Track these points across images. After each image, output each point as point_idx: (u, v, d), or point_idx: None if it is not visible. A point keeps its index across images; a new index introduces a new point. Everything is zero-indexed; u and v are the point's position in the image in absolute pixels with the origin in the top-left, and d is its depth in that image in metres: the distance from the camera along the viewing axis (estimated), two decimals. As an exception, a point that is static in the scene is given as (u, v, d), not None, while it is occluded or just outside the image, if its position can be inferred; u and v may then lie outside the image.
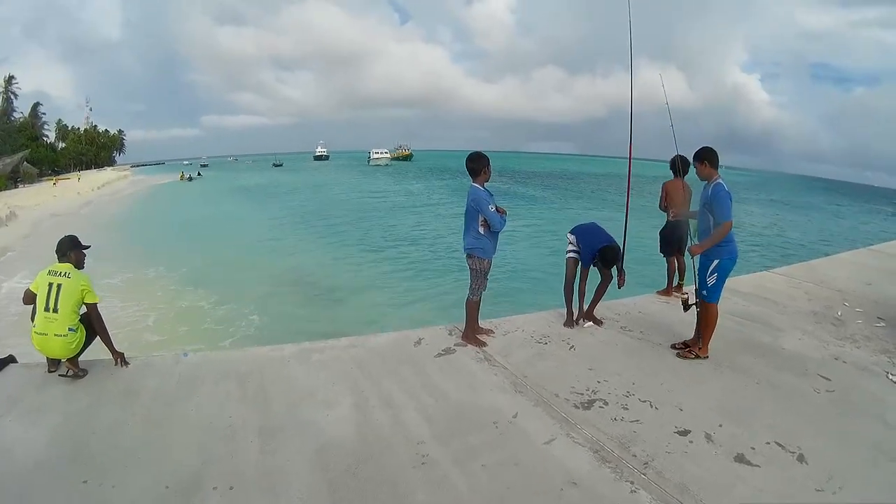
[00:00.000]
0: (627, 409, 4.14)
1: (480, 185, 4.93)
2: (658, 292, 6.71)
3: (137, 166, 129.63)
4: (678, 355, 4.98)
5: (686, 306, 4.93)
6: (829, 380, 4.58)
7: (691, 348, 4.96)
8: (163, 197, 50.19)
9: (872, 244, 10.89)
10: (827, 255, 10.35)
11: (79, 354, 4.32)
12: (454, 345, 5.18)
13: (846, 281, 7.53)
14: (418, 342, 5.23)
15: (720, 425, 3.89)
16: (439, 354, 4.98)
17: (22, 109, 73.69)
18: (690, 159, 5.05)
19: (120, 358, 4.48)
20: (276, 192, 54.36)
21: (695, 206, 5.18)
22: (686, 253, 5.41)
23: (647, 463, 3.44)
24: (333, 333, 6.77)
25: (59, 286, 4.18)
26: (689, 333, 5.14)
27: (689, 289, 5.39)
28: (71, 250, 4.40)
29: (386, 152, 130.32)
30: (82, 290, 4.25)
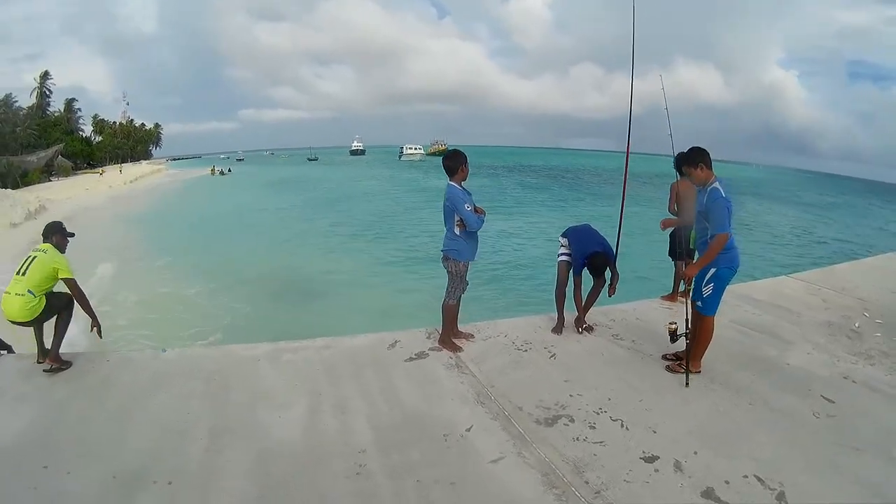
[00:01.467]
0: (594, 427, 3.71)
1: (457, 183, 4.60)
2: (662, 297, 6.14)
3: (174, 160, 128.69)
4: (667, 368, 4.48)
5: (674, 337, 4.32)
6: (833, 402, 3.99)
7: (682, 361, 4.43)
8: (190, 192, 49.72)
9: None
10: (857, 258, 9.41)
11: (53, 346, 4.36)
12: (429, 349, 4.86)
13: (870, 288, 6.73)
14: (393, 345, 4.93)
15: (695, 452, 3.40)
16: (410, 359, 4.69)
17: (58, 104, 74.31)
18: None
19: (97, 327, 4.64)
20: (304, 186, 54.24)
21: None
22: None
23: (598, 492, 3.03)
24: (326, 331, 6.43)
25: (33, 258, 4.44)
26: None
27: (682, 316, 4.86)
28: (54, 234, 4.65)
29: (419, 148, 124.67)
30: (55, 267, 4.42)
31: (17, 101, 60.37)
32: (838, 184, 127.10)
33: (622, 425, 3.73)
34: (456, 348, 4.84)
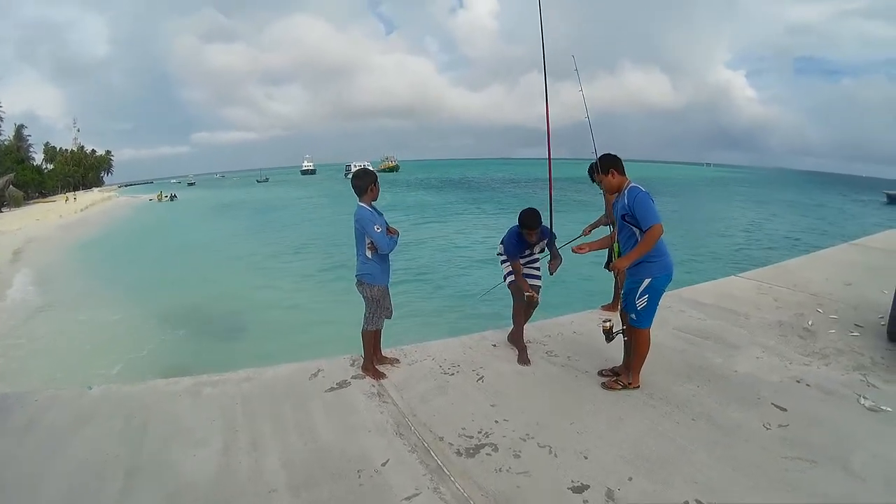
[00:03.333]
0: (519, 456, 3.19)
1: (367, 203, 4.18)
2: (603, 307, 5.63)
3: (126, 186, 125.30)
4: (603, 385, 3.95)
5: (609, 336, 3.86)
6: (785, 410, 3.50)
7: (619, 377, 3.92)
8: (137, 219, 47.41)
9: (858, 238, 9.23)
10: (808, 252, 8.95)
11: None
12: (351, 377, 4.32)
13: (823, 282, 6.28)
14: (315, 374, 4.38)
15: (630, 479, 2.89)
16: (331, 388, 4.15)
17: (7, 132, 71.07)
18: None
19: None
20: (244, 211, 50.81)
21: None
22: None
23: (518, 531, 2.47)
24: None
25: None
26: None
27: (617, 313, 4.38)
28: None
29: (368, 164, 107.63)
30: None
31: None
32: (792, 178, 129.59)
33: (550, 452, 3.21)
34: (379, 375, 4.33)
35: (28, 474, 3.14)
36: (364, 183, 4.17)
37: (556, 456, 3.17)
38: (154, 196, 70.60)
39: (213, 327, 13.59)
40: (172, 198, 69.62)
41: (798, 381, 3.90)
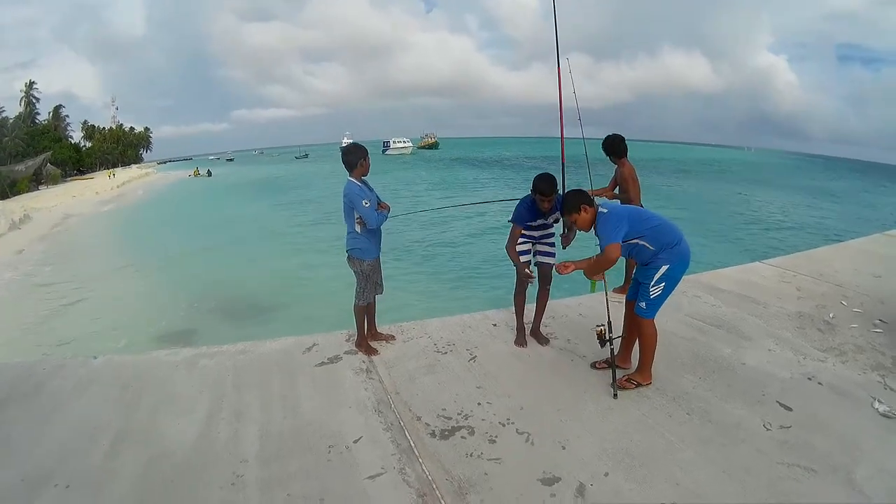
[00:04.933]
0: (494, 442, 2.99)
1: (357, 178, 4.04)
2: (614, 289, 5.30)
3: (165, 162, 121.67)
4: (615, 386, 3.46)
5: (602, 341, 3.54)
6: (791, 410, 3.16)
7: (631, 376, 3.55)
8: (171, 194, 46.66)
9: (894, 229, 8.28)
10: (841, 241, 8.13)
11: None
12: (344, 352, 4.19)
13: (851, 273, 5.72)
14: (309, 349, 4.27)
15: (606, 474, 2.66)
16: (322, 363, 4.04)
17: (46, 112, 69.58)
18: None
19: None
20: (285, 185, 49.67)
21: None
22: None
23: (474, 520, 2.26)
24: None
25: None
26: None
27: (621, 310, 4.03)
28: None
29: (408, 141, 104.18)
30: None
31: (3, 111, 58.54)
32: (831, 166, 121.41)
33: (528, 439, 2.99)
34: (371, 351, 4.19)
35: (27, 435, 3.19)
36: (353, 158, 4.01)
37: (532, 444, 2.95)
38: (191, 172, 70.72)
39: (237, 301, 13.44)
40: (209, 173, 69.66)
41: (810, 379, 3.53)
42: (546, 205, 3.85)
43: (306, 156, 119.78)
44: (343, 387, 3.69)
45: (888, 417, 3.07)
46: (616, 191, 5.10)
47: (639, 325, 3.51)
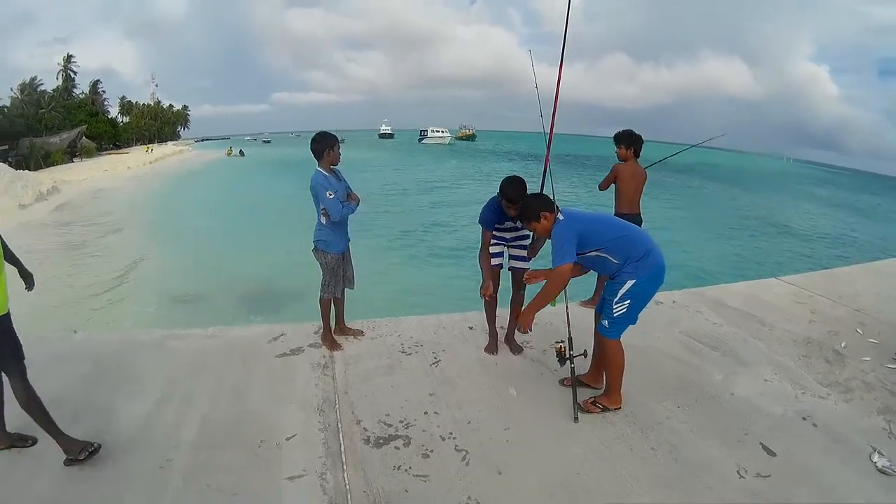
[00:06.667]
0: (428, 457, 2.68)
1: (325, 168, 3.78)
2: (583, 302, 4.74)
3: (201, 140, 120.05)
4: (579, 408, 3.05)
5: (562, 359, 3.16)
6: (774, 455, 2.68)
7: (598, 399, 3.11)
8: (203, 173, 46.98)
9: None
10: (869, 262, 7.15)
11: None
12: (308, 345, 3.94)
13: (872, 297, 4.98)
14: (276, 338, 4.05)
15: (538, 510, 2.29)
16: (283, 354, 3.81)
17: (84, 86, 69.50)
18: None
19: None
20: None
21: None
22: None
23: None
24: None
25: None
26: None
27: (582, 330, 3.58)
28: None
29: (445, 131, 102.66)
30: None
31: (42, 84, 58.19)
32: (870, 181, 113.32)
33: (464, 458, 2.66)
34: (335, 346, 3.92)
35: None
36: (321, 146, 3.76)
37: (467, 464, 2.61)
38: (224, 151, 71.39)
39: (236, 287, 13.05)
40: (241, 153, 69.97)
41: (804, 418, 3.02)
42: (512, 212, 3.42)
43: (342, 141, 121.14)
44: (295, 381, 3.45)
45: (886, 474, 2.55)
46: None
47: (602, 346, 3.08)
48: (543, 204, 3.03)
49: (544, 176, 3.79)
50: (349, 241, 3.99)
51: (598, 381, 3.32)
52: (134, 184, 36.62)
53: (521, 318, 3.03)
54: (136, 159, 53.02)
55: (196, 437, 2.86)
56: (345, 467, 2.62)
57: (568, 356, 3.11)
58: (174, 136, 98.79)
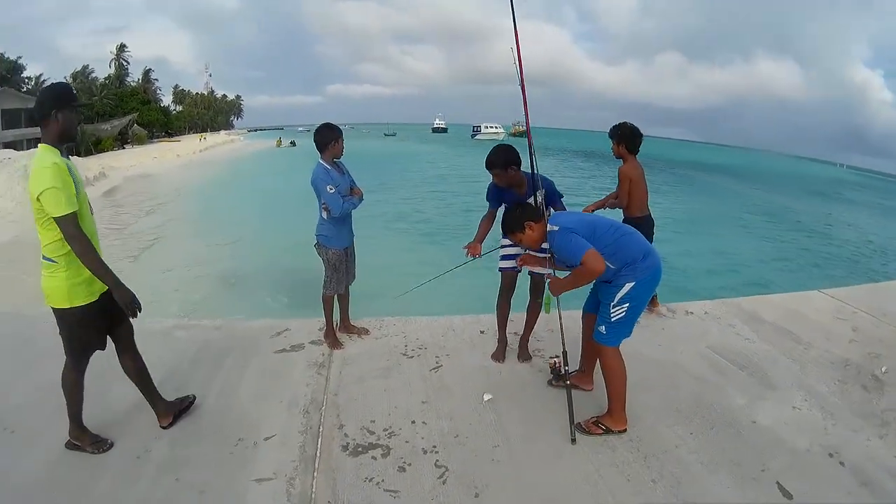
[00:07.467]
0: (404, 470, 2.52)
1: (327, 161, 3.65)
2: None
3: (254, 130, 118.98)
4: (579, 428, 2.79)
5: (557, 375, 2.99)
6: (791, 498, 2.36)
7: (600, 419, 2.84)
8: (251, 162, 46.87)
9: None
10: None
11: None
12: (310, 342, 3.84)
13: None
14: (279, 333, 3.98)
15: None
16: (282, 350, 3.75)
17: (137, 75, 70.06)
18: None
19: (129, 307, 2.47)
20: (366, 160, 42.76)
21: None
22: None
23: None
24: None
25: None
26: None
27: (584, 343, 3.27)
28: (50, 110, 2.32)
29: (499, 127, 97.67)
30: (36, 196, 2.22)
31: (94, 73, 59.56)
32: None
33: (441, 476, 2.48)
34: (336, 344, 3.81)
35: (9, 385, 3.22)
36: (325, 139, 3.62)
37: (444, 483, 2.42)
38: (273, 142, 70.99)
39: (273, 276, 12.95)
40: (292, 144, 69.42)
41: (831, 455, 2.68)
42: (500, 181, 3.24)
43: (394, 134, 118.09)
44: (288, 379, 3.37)
45: (920, 531, 2.24)
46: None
47: (599, 355, 2.83)
48: (527, 213, 2.83)
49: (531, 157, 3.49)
50: (353, 236, 3.86)
51: (587, 382, 3.17)
52: (182, 171, 37.16)
53: (553, 285, 2.83)
54: (185, 147, 53.36)
55: (178, 430, 2.82)
56: (315, 474, 2.50)
57: (563, 372, 2.87)
58: (227, 126, 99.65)
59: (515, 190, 3.27)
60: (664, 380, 3.36)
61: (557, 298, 2.92)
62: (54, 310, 2.44)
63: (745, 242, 20.05)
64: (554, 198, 3.31)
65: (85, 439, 2.63)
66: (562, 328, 3.03)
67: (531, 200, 3.23)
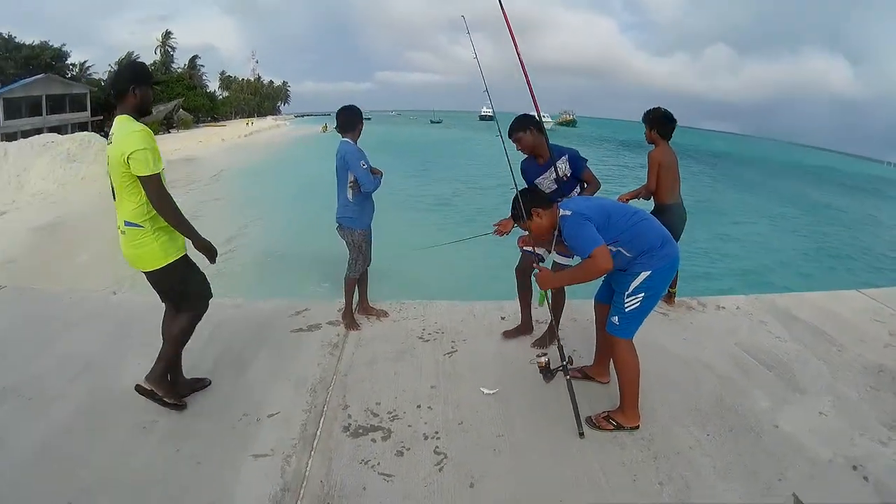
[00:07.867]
0: (402, 454, 2.50)
1: (352, 140, 3.67)
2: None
3: (301, 116, 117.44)
4: (589, 422, 2.70)
5: (547, 374, 2.73)
6: (806, 512, 2.29)
7: (611, 414, 2.74)
8: (295, 147, 46.02)
9: None
10: None
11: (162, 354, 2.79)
12: (327, 322, 3.85)
13: None
14: (298, 313, 4.00)
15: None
16: (299, 330, 3.77)
17: (183, 61, 71.30)
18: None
19: (210, 253, 2.70)
20: (410, 148, 46.65)
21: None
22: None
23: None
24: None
25: (108, 158, 2.49)
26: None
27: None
28: (128, 85, 2.49)
29: (546, 116, 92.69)
30: (126, 156, 2.37)
31: (139, 59, 60.14)
32: None
33: (439, 463, 2.44)
34: (353, 326, 3.81)
35: (23, 355, 3.32)
36: (355, 118, 3.68)
37: (440, 470, 2.38)
38: (319, 127, 69.89)
39: (314, 260, 12.59)
40: (337, 129, 69.75)
41: (855, 468, 2.50)
42: (519, 147, 3.33)
43: (440, 121, 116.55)
44: (300, 358, 3.39)
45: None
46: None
47: (612, 347, 2.71)
48: (534, 199, 2.71)
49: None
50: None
51: (602, 374, 3.08)
52: (225, 155, 37.28)
53: (541, 276, 2.74)
54: (230, 132, 53.20)
55: (187, 403, 2.86)
56: (312, 453, 2.50)
57: (553, 369, 2.73)
58: (274, 112, 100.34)
59: (538, 160, 3.31)
60: (685, 377, 3.23)
61: (545, 295, 2.86)
62: (151, 273, 2.62)
63: (785, 238, 19.26)
64: (578, 163, 3.31)
65: (168, 390, 2.75)
66: (554, 321, 3.06)
67: (553, 170, 3.26)
